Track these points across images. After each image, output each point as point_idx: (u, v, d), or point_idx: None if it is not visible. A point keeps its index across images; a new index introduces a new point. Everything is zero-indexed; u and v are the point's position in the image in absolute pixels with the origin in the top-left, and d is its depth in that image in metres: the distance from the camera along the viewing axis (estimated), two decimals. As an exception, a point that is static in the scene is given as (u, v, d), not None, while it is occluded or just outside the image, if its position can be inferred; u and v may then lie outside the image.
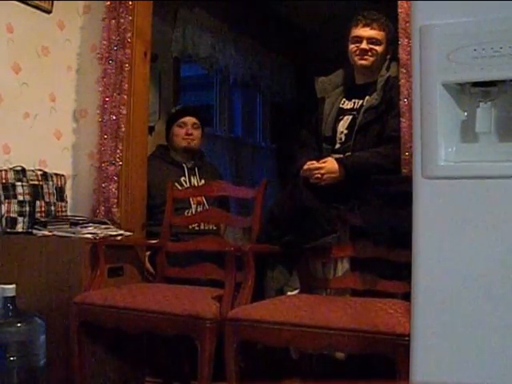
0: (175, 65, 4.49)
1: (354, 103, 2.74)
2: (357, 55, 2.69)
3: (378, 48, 2.67)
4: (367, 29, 2.67)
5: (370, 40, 2.67)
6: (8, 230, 2.68)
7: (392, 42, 2.70)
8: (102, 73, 3.03)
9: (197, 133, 3.45)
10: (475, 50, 1.50)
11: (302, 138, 2.86)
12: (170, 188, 2.94)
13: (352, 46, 2.70)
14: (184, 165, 3.41)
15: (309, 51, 5.70)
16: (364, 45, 2.66)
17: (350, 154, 2.62)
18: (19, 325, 1.33)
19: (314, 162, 2.53)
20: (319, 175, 2.48)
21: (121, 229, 2.84)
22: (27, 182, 2.76)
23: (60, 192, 2.95)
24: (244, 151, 5.57)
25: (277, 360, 2.64)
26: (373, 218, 2.30)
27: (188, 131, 3.41)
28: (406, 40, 2.41)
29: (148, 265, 3.00)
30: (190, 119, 3.44)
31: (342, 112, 2.75)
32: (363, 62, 2.69)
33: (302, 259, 2.53)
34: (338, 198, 2.49)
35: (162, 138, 3.68)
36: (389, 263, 2.29)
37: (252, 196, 2.71)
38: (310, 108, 3.03)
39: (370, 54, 2.67)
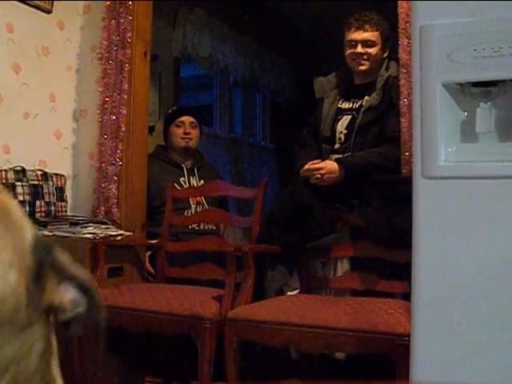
0: (175, 65, 4.49)
1: (353, 103, 2.74)
2: (353, 60, 2.70)
3: (373, 50, 2.67)
4: (360, 32, 2.66)
5: (365, 43, 2.66)
6: (8, 230, 2.68)
7: (387, 40, 2.70)
8: (102, 73, 3.03)
9: (194, 132, 3.45)
10: (475, 49, 1.50)
11: (301, 139, 2.87)
12: (170, 188, 2.94)
13: (348, 51, 2.71)
14: (183, 165, 3.40)
15: (309, 51, 5.70)
16: (359, 48, 2.66)
17: (349, 154, 2.62)
18: (19, 325, 1.34)
19: (315, 162, 2.53)
20: (319, 175, 2.48)
21: (121, 229, 2.84)
22: (27, 181, 2.76)
23: (60, 192, 2.95)
24: (244, 151, 5.57)
25: (277, 360, 2.64)
26: (373, 218, 2.30)
27: (186, 130, 3.41)
28: (406, 40, 2.41)
29: (148, 265, 3.00)
30: (187, 118, 3.44)
31: (341, 112, 2.75)
32: (361, 67, 2.69)
33: (302, 259, 2.53)
34: (338, 198, 2.50)
35: (162, 138, 3.68)
36: (389, 263, 2.29)
37: (252, 196, 2.71)
38: (309, 108, 3.03)
39: (365, 57, 2.67)
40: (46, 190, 2.84)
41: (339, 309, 2.05)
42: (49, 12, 3.08)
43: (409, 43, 2.36)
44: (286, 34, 5.64)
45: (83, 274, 0.78)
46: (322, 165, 2.50)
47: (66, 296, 0.77)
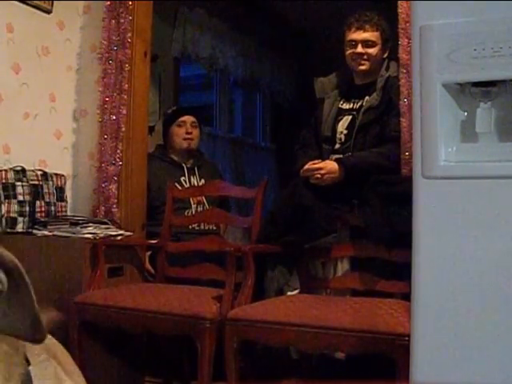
0: (175, 65, 4.49)
1: (354, 103, 2.74)
2: (353, 60, 2.70)
3: (373, 50, 2.67)
4: (360, 32, 2.66)
5: (365, 43, 2.66)
6: (8, 230, 2.68)
7: (387, 40, 2.70)
8: (102, 73, 3.03)
9: (196, 132, 3.46)
10: (475, 49, 1.50)
11: (302, 139, 2.87)
12: (170, 188, 2.94)
13: (348, 51, 2.70)
14: (183, 164, 3.41)
15: (309, 51, 5.70)
16: (359, 48, 2.66)
17: (350, 154, 2.62)
18: (19, 325, 1.34)
19: (315, 162, 2.53)
20: (319, 175, 2.48)
21: (121, 229, 2.84)
22: (27, 181, 2.76)
23: (60, 192, 2.95)
24: (244, 151, 5.57)
25: (277, 360, 2.64)
26: (373, 218, 2.30)
27: (188, 130, 3.41)
28: (406, 40, 2.41)
29: (148, 265, 3.00)
30: (188, 118, 3.44)
31: (342, 112, 2.75)
32: (361, 67, 2.69)
33: (302, 259, 2.53)
34: (338, 198, 2.49)
35: (161, 137, 3.68)
36: (389, 263, 2.29)
37: (252, 196, 2.71)
38: (309, 108, 3.03)
39: (365, 57, 2.67)
40: (46, 190, 2.84)
41: (339, 309, 2.05)
42: (49, 12, 3.08)
43: (409, 43, 2.36)
44: (286, 34, 5.64)
45: (9, 258, 0.77)
46: (322, 165, 2.50)
47: None
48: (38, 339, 0.78)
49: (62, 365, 0.94)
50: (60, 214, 2.91)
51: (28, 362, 0.82)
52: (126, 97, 2.98)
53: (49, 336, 0.98)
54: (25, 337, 0.78)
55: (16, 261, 0.76)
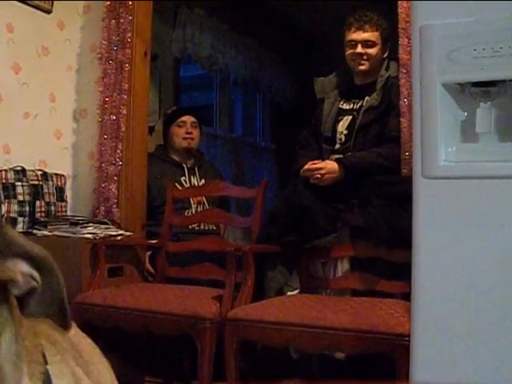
0: (175, 65, 4.49)
1: (354, 103, 2.74)
2: (353, 60, 2.70)
3: (373, 50, 2.67)
4: (360, 32, 2.66)
5: (365, 43, 2.66)
6: (8, 230, 2.68)
7: (387, 40, 2.70)
8: (102, 73, 3.03)
9: (196, 132, 3.46)
10: (475, 49, 1.50)
11: (302, 139, 2.87)
12: (170, 188, 2.94)
13: (348, 52, 2.71)
14: (184, 165, 3.41)
15: (309, 51, 5.70)
16: (359, 49, 2.66)
17: (350, 154, 2.62)
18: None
19: (315, 162, 2.53)
20: (319, 175, 2.48)
21: (121, 229, 2.84)
22: (27, 181, 2.76)
23: (60, 192, 2.95)
24: (244, 151, 5.57)
25: (277, 360, 2.64)
26: (373, 217, 2.30)
27: (188, 130, 3.41)
28: (406, 40, 2.41)
29: (148, 265, 3.00)
30: (188, 118, 3.44)
31: (342, 112, 2.75)
32: (361, 67, 2.69)
33: (302, 259, 2.53)
34: (338, 198, 2.49)
35: (161, 137, 3.68)
36: (389, 263, 2.29)
37: (252, 196, 2.71)
38: (309, 108, 3.03)
39: (365, 57, 2.67)
40: (46, 190, 2.84)
41: (339, 309, 2.05)
42: (49, 12, 3.08)
43: (409, 43, 2.36)
44: (286, 34, 5.64)
45: (38, 250, 0.77)
46: (322, 165, 2.50)
47: (16, 269, 0.75)
48: (65, 327, 0.78)
49: (85, 362, 0.94)
50: (60, 214, 2.91)
51: (45, 361, 0.83)
52: (126, 97, 2.98)
53: (80, 333, 0.98)
54: (56, 321, 0.78)
55: (46, 255, 0.76)
